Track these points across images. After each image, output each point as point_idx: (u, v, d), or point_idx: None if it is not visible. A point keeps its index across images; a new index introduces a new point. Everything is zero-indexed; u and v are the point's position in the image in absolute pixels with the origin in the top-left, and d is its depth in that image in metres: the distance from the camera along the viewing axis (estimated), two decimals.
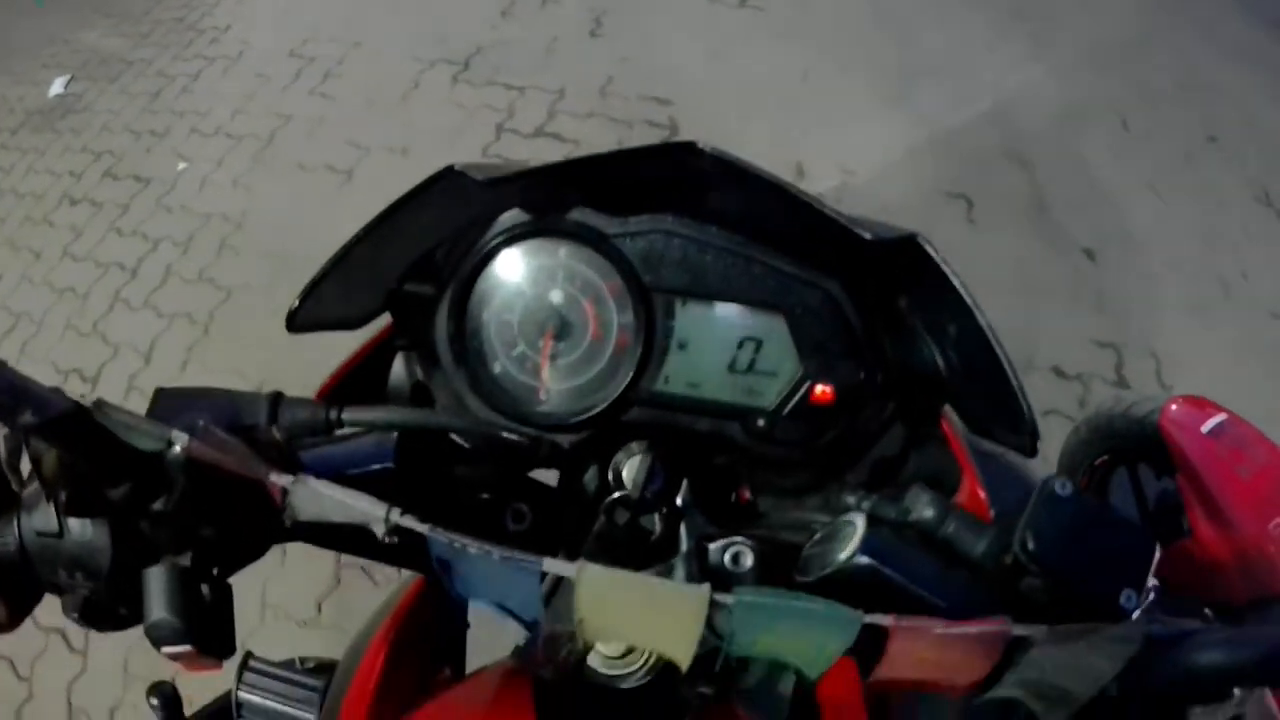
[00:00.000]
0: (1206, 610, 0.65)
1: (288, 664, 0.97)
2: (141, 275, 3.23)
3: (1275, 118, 3.20)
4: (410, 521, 0.54)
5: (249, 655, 0.95)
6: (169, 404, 0.66)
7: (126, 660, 2.31)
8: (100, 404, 0.54)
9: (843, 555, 0.60)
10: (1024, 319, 2.61)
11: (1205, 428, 1.32)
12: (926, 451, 0.87)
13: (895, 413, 0.86)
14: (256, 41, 4.25)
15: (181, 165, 3.63)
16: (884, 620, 0.50)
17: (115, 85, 4.27)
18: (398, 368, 0.95)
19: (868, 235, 0.68)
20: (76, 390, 2.23)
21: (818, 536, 0.67)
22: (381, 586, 2.25)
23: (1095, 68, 3.39)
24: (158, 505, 0.56)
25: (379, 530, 0.54)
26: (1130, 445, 1.52)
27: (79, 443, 0.52)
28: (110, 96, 4.21)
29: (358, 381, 0.92)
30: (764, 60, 3.50)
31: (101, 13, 4.87)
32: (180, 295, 3.12)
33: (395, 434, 0.68)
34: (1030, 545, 0.58)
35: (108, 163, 3.79)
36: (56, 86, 4.38)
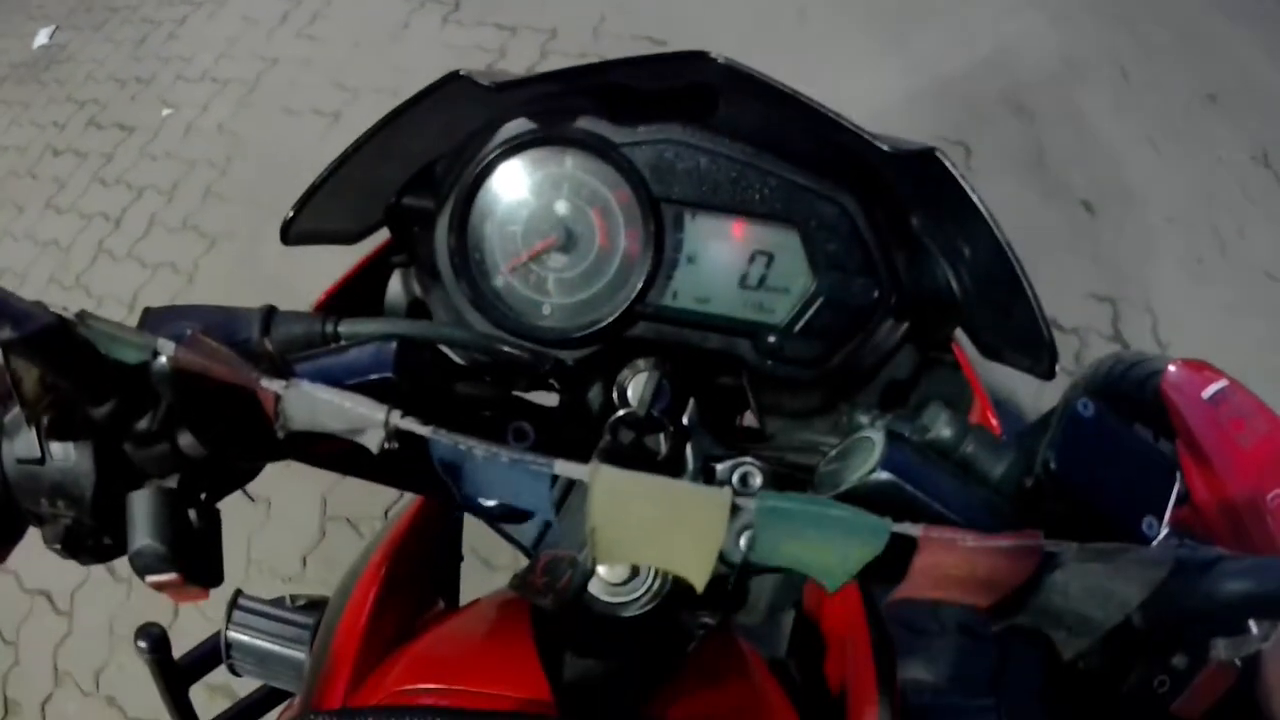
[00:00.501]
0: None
1: (278, 601, 0.96)
2: (125, 225, 3.19)
3: (1274, 77, 3.15)
4: (411, 424, 0.51)
5: (238, 593, 0.95)
6: (157, 319, 0.64)
7: (112, 622, 2.29)
8: (84, 315, 0.51)
9: (863, 470, 0.57)
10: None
11: (1206, 394, 1.28)
12: (937, 375, 0.85)
13: (907, 334, 0.82)
14: None
15: (166, 111, 3.57)
16: (913, 530, 0.47)
17: (100, 33, 4.20)
18: (394, 285, 0.92)
19: (885, 147, 0.65)
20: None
21: (833, 454, 0.64)
22: (367, 539, 2.20)
23: (1096, 17, 3.32)
24: (143, 424, 0.55)
25: (377, 437, 0.51)
26: (1129, 407, 1.47)
27: (61, 358, 0.50)
28: (95, 45, 4.14)
29: (354, 297, 0.89)
30: (758, 7, 3.43)
31: None
32: (164, 245, 3.08)
33: (394, 344, 0.64)
34: (1053, 465, 0.54)
35: (92, 111, 3.73)
36: (41, 37, 4.31)
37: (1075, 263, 2.65)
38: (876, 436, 0.58)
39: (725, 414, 0.88)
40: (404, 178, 0.83)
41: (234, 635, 0.91)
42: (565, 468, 0.49)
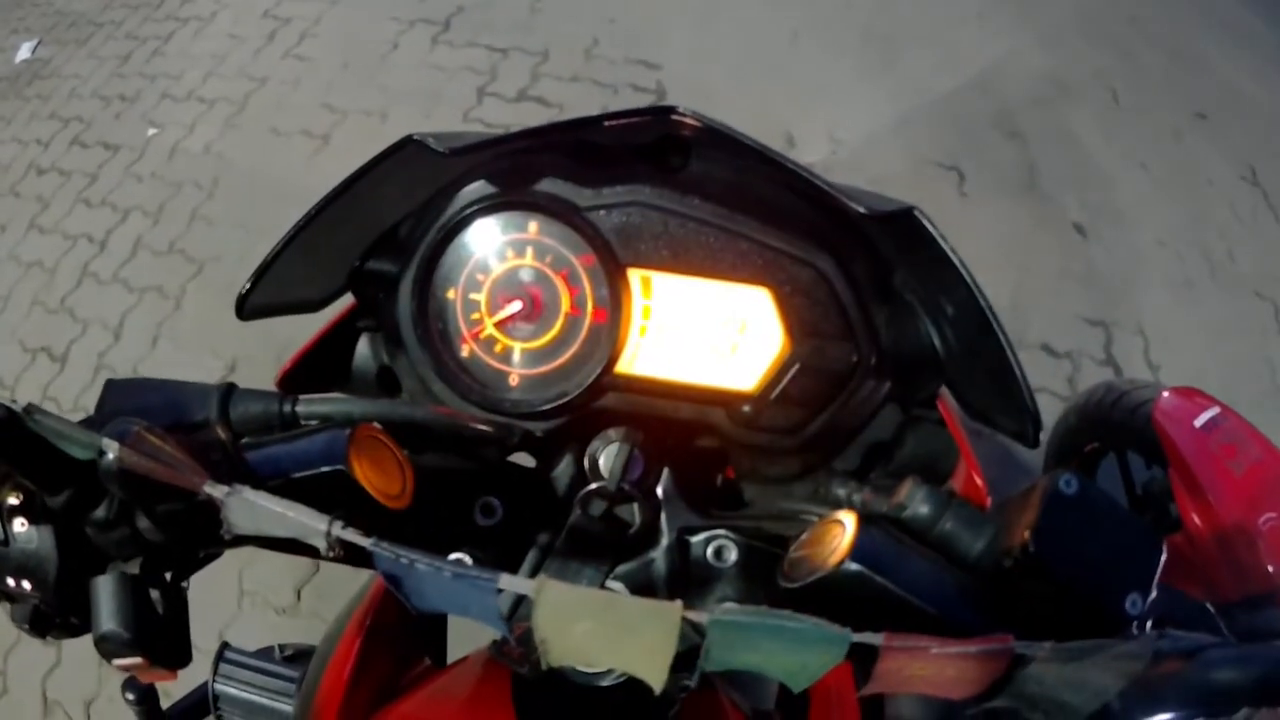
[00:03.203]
0: (1208, 605, 0.60)
1: (265, 652, 0.95)
2: (110, 248, 3.15)
3: (1263, 97, 3.16)
4: (353, 535, 0.49)
5: (225, 646, 0.94)
6: (117, 397, 0.65)
7: None
8: (30, 409, 0.51)
9: (832, 560, 0.56)
10: (1015, 295, 2.59)
11: (1198, 421, 1.29)
12: (921, 434, 0.82)
13: (889, 394, 0.80)
14: (230, 1, 4.12)
15: (152, 131, 3.53)
16: (874, 640, 0.45)
17: (84, 49, 4.15)
18: (362, 350, 0.90)
19: (862, 209, 0.63)
20: (46, 370, 2.16)
21: (804, 537, 0.62)
22: (363, 572, 2.17)
23: (1084, 37, 3.33)
24: (100, 512, 0.55)
25: (320, 545, 0.50)
26: (1121, 434, 1.50)
27: (12, 449, 0.50)
28: (79, 60, 4.09)
29: (320, 364, 0.88)
30: (752, 22, 3.42)
31: None
32: (151, 268, 3.04)
33: (347, 433, 0.62)
34: (1032, 548, 0.53)
35: (76, 130, 3.69)
36: (24, 51, 4.26)
37: (1067, 286, 2.66)
38: (848, 521, 0.57)
39: (702, 477, 0.86)
40: (368, 240, 0.82)
41: (220, 688, 0.91)
42: (511, 582, 0.47)
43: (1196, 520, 1.21)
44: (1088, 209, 2.84)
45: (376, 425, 0.65)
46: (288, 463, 0.61)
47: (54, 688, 2.25)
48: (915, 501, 0.60)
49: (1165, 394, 1.38)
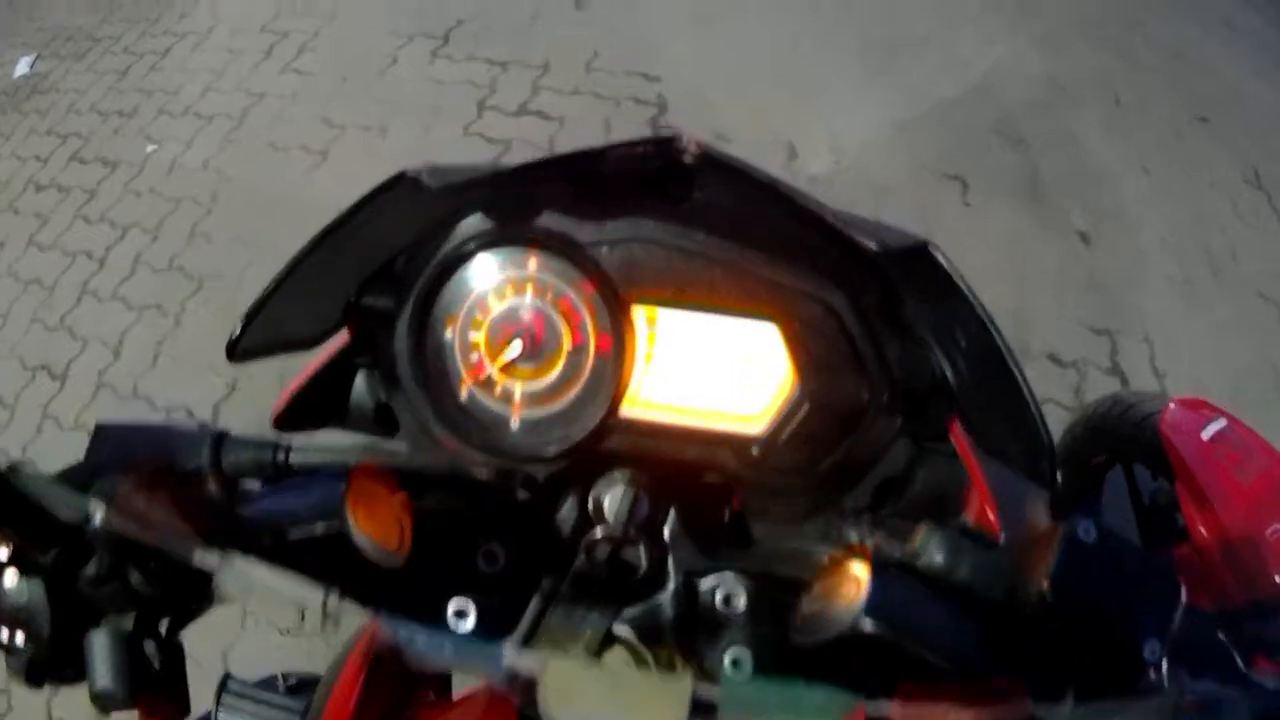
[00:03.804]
0: (1221, 636, 0.60)
1: (268, 682, 0.91)
2: (110, 265, 3.13)
3: (1264, 97, 3.16)
4: (350, 607, 0.50)
5: (227, 677, 0.93)
6: (107, 443, 0.64)
7: None
8: (15, 468, 0.51)
9: (847, 617, 0.56)
10: (1020, 304, 2.57)
11: (1205, 433, 1.29)
12: (933, 466, 0.80)
13: (901, 429, 0.78)
14: (227, 15, 4.12)
15: (150, 147, 3.51)
16: (886, 709, 0.45)
17: (82, 64, 4.14)
18: (360, 386, 0.87)
19: (873, 246, 0.61)
20: (46, 389, 2.13)
21: (817, 588, 0.63)
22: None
23: (1084, 40, 3.33)
24: (90, 568, 0.54)
25: (315, 613, 0.50)
26: (1128, 447, 1.49)
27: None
28: (77, 75, 4.08)
29: (316, 400, 0.86)
30: (752, 32, 3.41)
31: None
32: (150, 285, 3.02)
33: (342, 486, 0.61)
34: (1050, 597, 0.53)
35: (74, 146, 3.67)
36: (22, 66, 4.25)
37: (1072, 294, 2.64)
38: (862, 574, 0.57)
39: (709, 516, 0.83)
40: (363, 275, 0.79)
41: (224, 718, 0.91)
42: (514, 658, 0.47)
43: (1203, 530, 1.20)
44: (1091, 214, 2.83)
45: (371, 476, 0.64)
46: (283, 519, 0.60)
47: (60, 708, 2.22)
48: (930, 548, 0.59)
49: (1171, 405, 1.38)
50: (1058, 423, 1.86)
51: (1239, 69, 3.24)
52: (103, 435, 0.65)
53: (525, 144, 3.09)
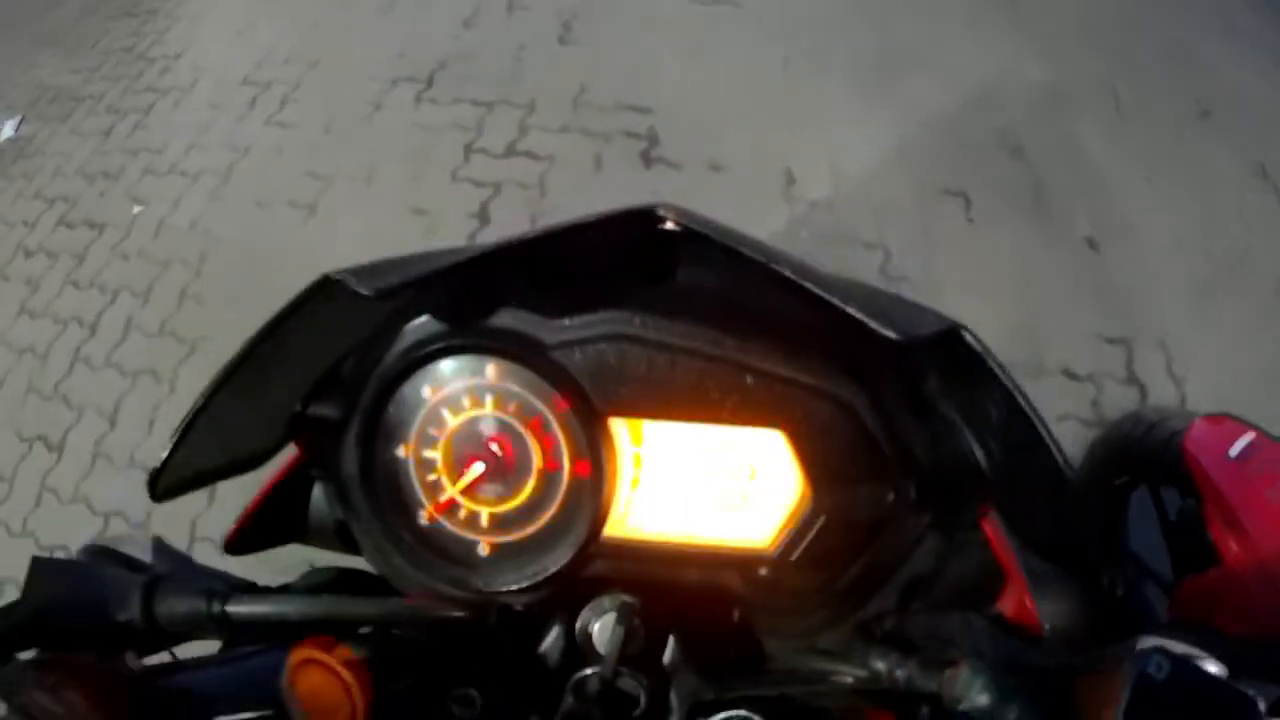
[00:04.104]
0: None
1: None
2: (101, 331, 3.09)
3: (1264, 90, 3.09)
4: None
5: None
6: (42, 584, 0.60)
7: None
8: None
9: None
10: (1031, 318, 2.50)
11: (1232, 451, 1.21)
12: (964, 555, 0.71)
13: (931, 522, 0.69)
14: (209, 68, 4.08)
15: (137, 209, 3.47)
16: None
17: (66, 125, 4.10)
18: (318, 502, 0.79)
19: (894, 335, 0.51)
20: (44, 460, 2.09)
21: None
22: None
23: (1078, 43, 3.26)
24: None
25: None
26: (1152, 468, 1.42)
27: None
28: (62, 137, 4.04)
29: (274, 516, 0.78)
30: (741, 58, 3.34)
31: (50, 48, 4.70)
32: (142, 351, 2.98)
33: (283, 662, 0.54)
34: None
35: (61, 209, 3.63)
36: (7, 130, 4.22)
37: (1084, 305, 2.57)
38: None
39: (714, 640, 0.73)
40: (308, 383, 0.71)
41: None
42: None
43: (1235, 551, 1.13)
44: (1098, 221, 2.77)
45: (314, 645, 0.56)
46: (210, 701, 0.53)
47: None
48: (973, 692, 0.51)
49: (1196, 423, 1.31)
50: (1078, 440, 1.79)
51: (1236, 63, 3.17)
52: (38, 574, 0.60)
53: (515, 185, 3.03)
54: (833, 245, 2.69)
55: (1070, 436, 1.99)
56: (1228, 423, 1.28)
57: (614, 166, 3.04)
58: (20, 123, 4.24)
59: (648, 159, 3.05)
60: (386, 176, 3.21)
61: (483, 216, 2.97)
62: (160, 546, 0.68)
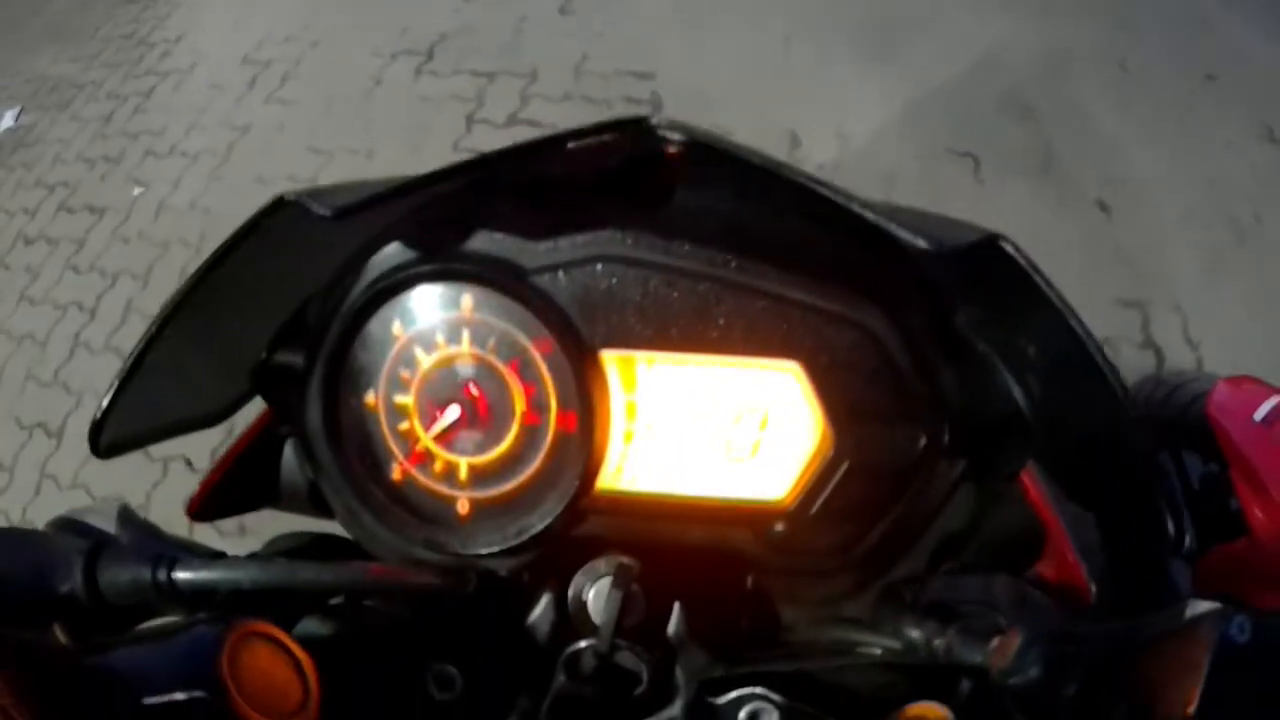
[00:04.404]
0: None
1: None
2: (101, 315, 3.05)
3: (1270, 55, 3.02)
4: None
5: None
6: None
7: None
8: None
9: None
10: None
11: (1258, 415, 1.18)
12: (999, 514, 0.63)
13: (964, 474, 0.61)
14: (209, 50, 4.04)
15: (137, 190, 3.43)
16: None
17: (66, 112, 4.07)
18: (289, 461, 0.72)
19: (925, 244, 0.44)
20: (43, 447, 2.06)
21: None
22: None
23: (1082, 6, 3.19)
24: None
25: None
26: (1174, 432, 1.39)
27: None
28: (62, 125, 4.01)
29: (243, 479, 0.70)
30: (744, 23, 3.28)
31: (50, 37, 4.65)
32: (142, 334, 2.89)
33: (219, 633, 0.47)
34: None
35: (61, 195, 3.60)
36: (7, 120, 4.19)
37: (1098, 268, 2.53)
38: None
39: (724, 606, 0.65)
40: (271, 330, 0.65)
41: None
42: None
43: (1262, 522, 1.10)
44: (1108, 184, 2.71)
45: (259, 621, 0.49)
46: (140, 682, 0.45)
47: None
48: (1028, 662, 0.44)
49: (1219, 386, 1.28)
50: None
51: (1241, 25, 3.11)
52: None
53: None
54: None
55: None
56: (1251, 385, 1.26)
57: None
58: (20, 113, 4.21)
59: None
60: (387, 150, 3.17)
61: None
62: (126, 515, 0.61)
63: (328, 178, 3.12)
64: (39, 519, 2.09)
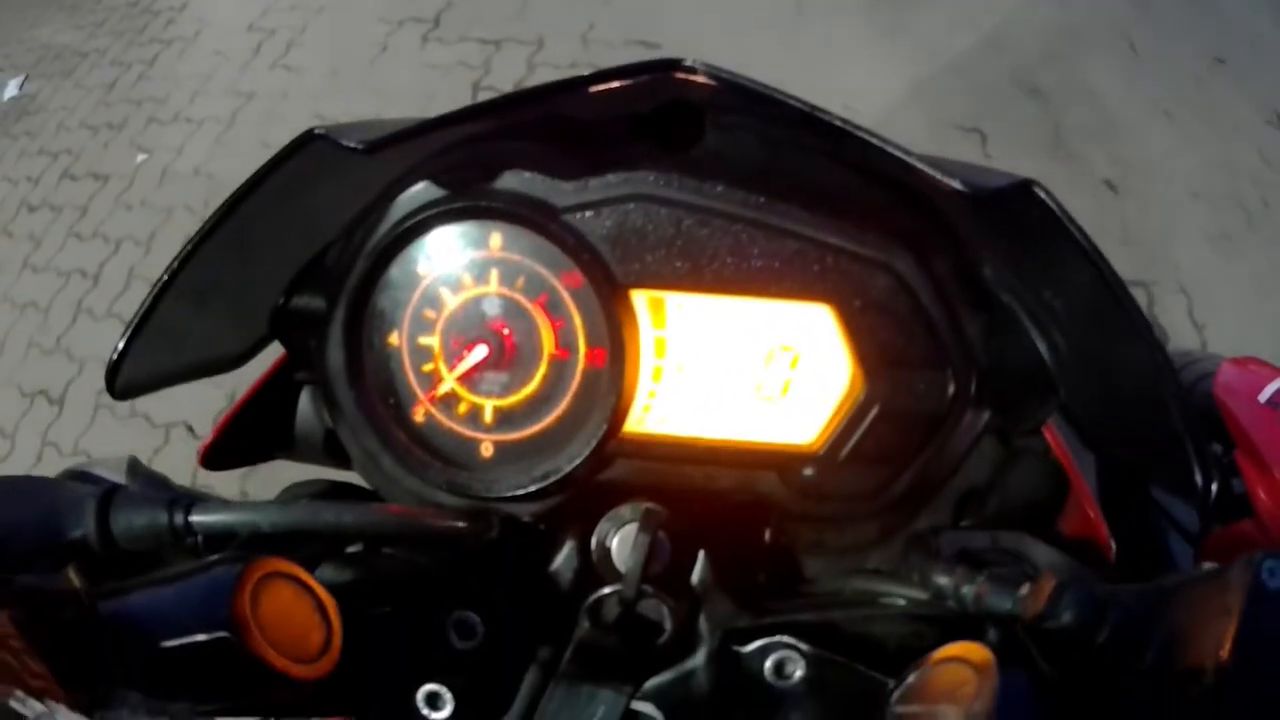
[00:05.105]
0: None
1: None
2: (104, 282, 3.06)
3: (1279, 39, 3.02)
4: None
5: None
6: None
7: None
8: None
9: None
10: None
11: (1263, 395, 1.16)
12: (1024, 466, 0.63)
13: (988, 426, 0.61)
14: (214, 18, 4.03)
15: (140, 157, 3.43)
16: None
17: (70, 80, 4.06)
18: (305, 408, 0.72)
19: (960, 186, 0.44)
20: (45, 414, 2.06)
21: (911, 680, 0.45)
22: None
23: None
24: None
25: None
26: None
27: None
28: (65, 92, 4.00)
29: (257, 426, 0.70)
30: None
31: (54, 7, 4.64)
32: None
33: (236, 573, 0.45)
34: (1231, 672, 0.36)
35: (65, 163, 3.60)
36: (11, 89, 4.19)
37: (1104, 247, 2.45)
38: (978, 667, 0.41)
39: (749, 554, 0.65)
40: (290, 271, 0.64)
41: None
42: None
43: (1265, 499, 1.08)
44: (1117, 164, 2.69)
45: (279, 559, 0.47)
46: (156, 624, 0.44)
47: None
48: (1060, 608, 0.43)
49: (1224, 366, 1.25)
50: None
51: (1252, 8, 3.10)
52: None
53: None
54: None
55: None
56: (1256, 366, 1.23)
57: None
58: (24, 81, 4.20)
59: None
60: (394, 115, 3.10)
61: None
62: (135, 466, 0.60)
63: None
64: None
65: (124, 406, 2.64)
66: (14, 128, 3.94)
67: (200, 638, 0.42)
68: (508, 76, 3.15)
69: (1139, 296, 2.33)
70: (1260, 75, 2.89)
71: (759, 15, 3.18)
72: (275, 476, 0.75)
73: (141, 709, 0.36)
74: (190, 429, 2.50)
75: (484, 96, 2.99)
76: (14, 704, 0.34)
